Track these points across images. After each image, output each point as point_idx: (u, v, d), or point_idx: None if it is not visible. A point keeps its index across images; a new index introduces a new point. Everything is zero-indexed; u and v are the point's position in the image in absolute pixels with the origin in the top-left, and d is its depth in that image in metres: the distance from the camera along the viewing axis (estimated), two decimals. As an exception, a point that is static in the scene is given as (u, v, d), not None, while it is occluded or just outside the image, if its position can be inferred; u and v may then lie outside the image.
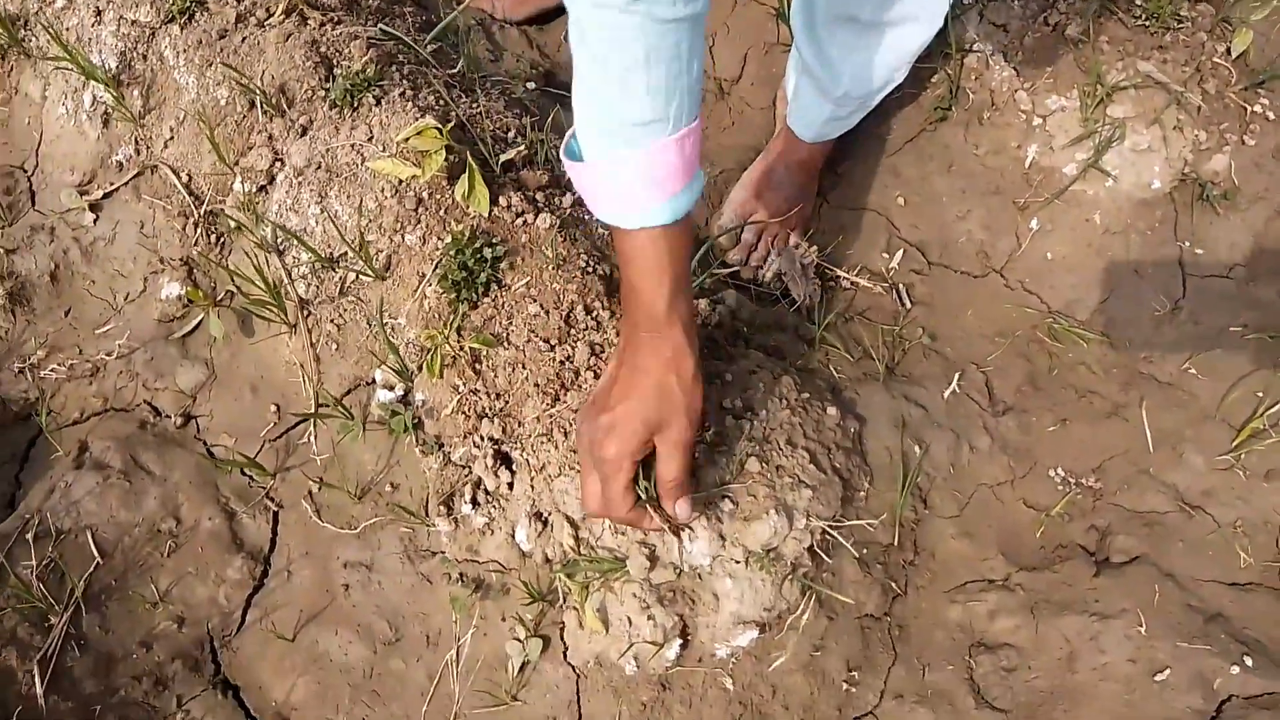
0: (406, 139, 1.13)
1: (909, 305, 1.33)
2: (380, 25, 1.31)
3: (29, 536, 1.12)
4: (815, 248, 1.35)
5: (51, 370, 1.28)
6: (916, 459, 1.16)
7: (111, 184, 1.37)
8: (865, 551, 1.10)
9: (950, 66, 1.40)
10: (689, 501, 0.91)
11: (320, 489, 1.17)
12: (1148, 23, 1.34)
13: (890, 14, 1.15)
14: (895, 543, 1.12)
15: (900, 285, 1.35)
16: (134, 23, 1.34)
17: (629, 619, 0.99)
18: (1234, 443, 1.19)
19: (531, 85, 1.47)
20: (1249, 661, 1.04)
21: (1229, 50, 1.35)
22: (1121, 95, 1.31)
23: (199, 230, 1.30)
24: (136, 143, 1.36)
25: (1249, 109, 1.33)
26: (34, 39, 1.47)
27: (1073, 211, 1.34)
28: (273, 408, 1.23)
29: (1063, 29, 1.36)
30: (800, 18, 1.27)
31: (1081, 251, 1.33)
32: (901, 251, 1.38)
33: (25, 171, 1.46)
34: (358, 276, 1.17)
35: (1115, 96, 1.31)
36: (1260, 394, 1.21)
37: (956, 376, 1.24)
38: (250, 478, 1.19)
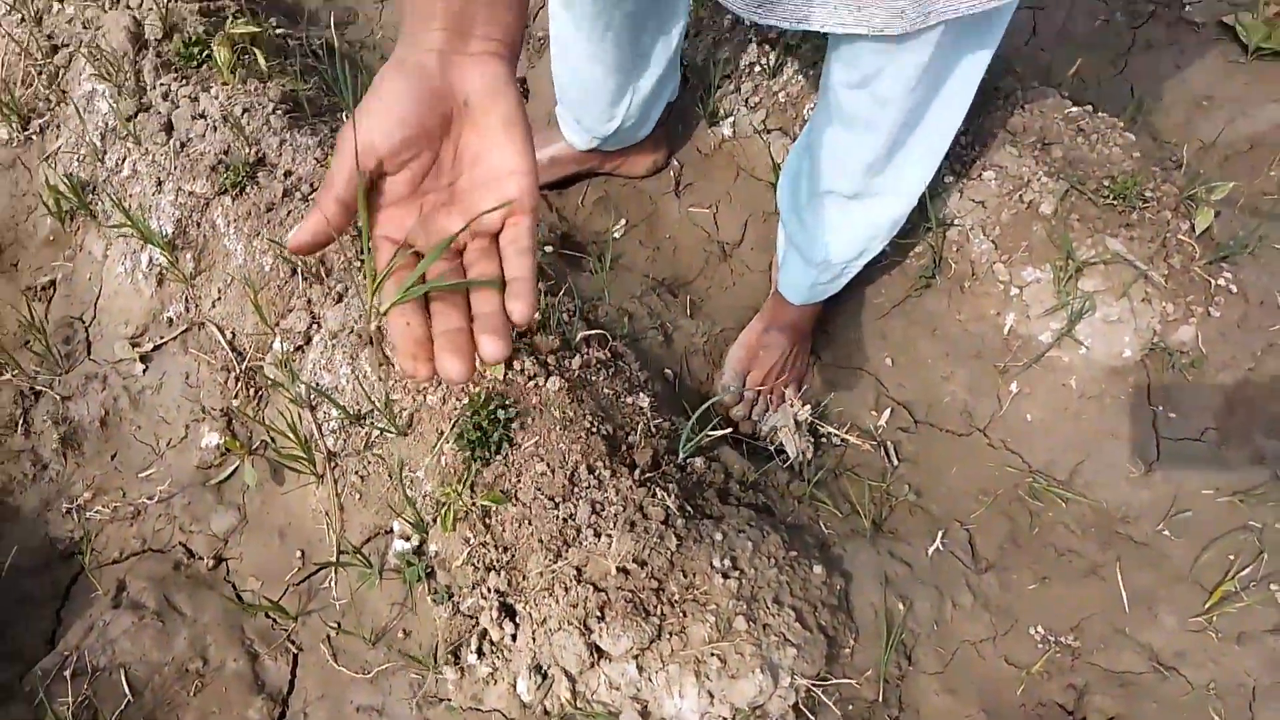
0: (431, 310, 1.25)
1: (896, 462, 1.42)
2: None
3: (66, 673, 1.20)
4: (808, 405, 1.44)
5: (96, 512, 1.38)
6: (901, 616, 1.22)
7: (161, 338, 1.50)
8: (850, 708, 1.15)
9: (933, 238, 1.52)
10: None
11: (338, 633, 1.24)
12: (1115, 202, 1.46)
13: (866, 190, 1.28)
14: (880, 699, 1.17)
15: (888, 443, 1.44)
16: (190, 193, 1.49)
17: (622, 771, 1.05)
18: (1206, 604, 1.24)
19: (549, 249, 1.60)
20: (1221, 826, 1.08)
21: (1193, 227, 1.46)
22: (1092, 270, 1.41)
23: (239, 384, 1.41)
24: (186, 301, 1.49)
25: (1213, 282, 1.43)
26: (100, 203, 1.62)
27: (1050, 376, 1.43)
28: (298, 553, 1.32)
29: (1036, 206, 1.47)
30: (786, 192, 1.40)
31: (1059, 414, 1.42)
32: (890, 410, 1.47)
33: (84, 323, 1.59)
34: (382, 433, 1.28)
35: (1086, 271, 1.41)
36: (1232, 556, 1.28)
37: (940, 534, 1.31)
38: (274, 620, 1.27)
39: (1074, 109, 1.57)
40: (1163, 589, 1.27)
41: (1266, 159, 1.72)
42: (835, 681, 1.11)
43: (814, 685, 1.09)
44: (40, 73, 1.79)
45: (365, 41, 2.07)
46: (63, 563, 1.36)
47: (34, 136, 1.79)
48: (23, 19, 1.85)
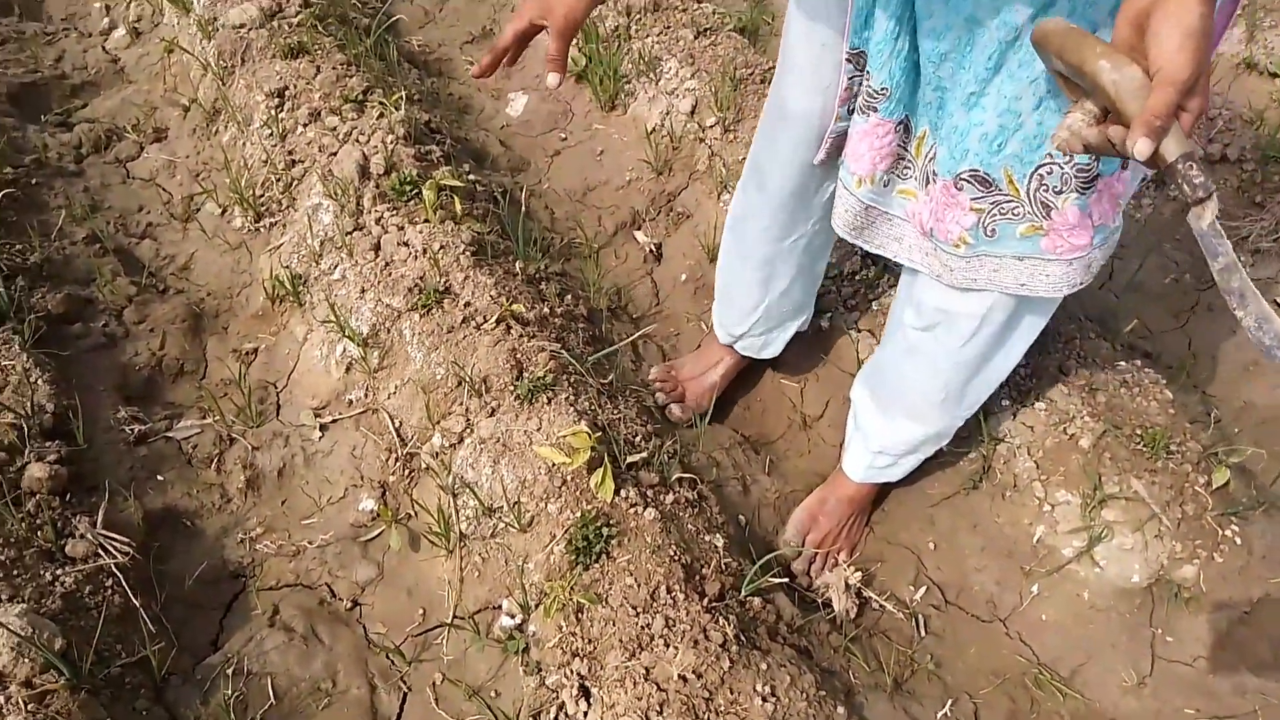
0: (565, 435, 1.57)
1: (924, 634, 1.65)
2: (561, 342, 1.78)
3: (229, 671, 1.50)
4: (859, 572, 1.69)
5: (265, 545, 1.70)
6: (904, 764, 1.45)
7: (340, 414, 1.85)
8: (849, 831, 1.37)
9: (985, 449, 1.79)
10: None
11: (443, 682, 1.52)
12: (1144, 449, 1.71)
13: (895, 408, 1.58)
14: (875, 830, 1.39)
15: (920, 615, 1.68)
16: (388, 305, 1.86)
17: (655, 840, 1.29)
18: (1172, 810, 1.44)
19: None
20: None
21: (1209, 481, 1.69)
22: (1115, 503, 1.66)
23: (398, 464, 1.74)
24: (367, 389, 1.84)
25: (1221, 531, 1.66)
26: (309, 296, 2.00)
27: (1067, 585, 1.67)
28: (420, 611, 1.61)
29: (1076, 439, 1.73)
30: (859, 388, 1.70)
31: (1071, 619, 1.65)
32: (925, 588, 1.71)
33: (276, 389, 1.95)
34: (506, 526, 1.58)
35: (1109, 503, 1.66)
36: (1202, 773, 1.47)
37: (951, 701, 1.54)
38: (392, 661, 1.55)
39: (1123, 364, 1.84)
40: (1136, 789, 1.47)
41: (1299, 427, 1.95)
42: (839, 804, 1.34)
43: (821, 804, 1.32)
44: (278, 180, 2.22)
45: (534, 189, 2.46)
46: (230, 581, 1.68)
47: (262, 229, 2.21)
48: (271, 134, 2.29)
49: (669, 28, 2.70)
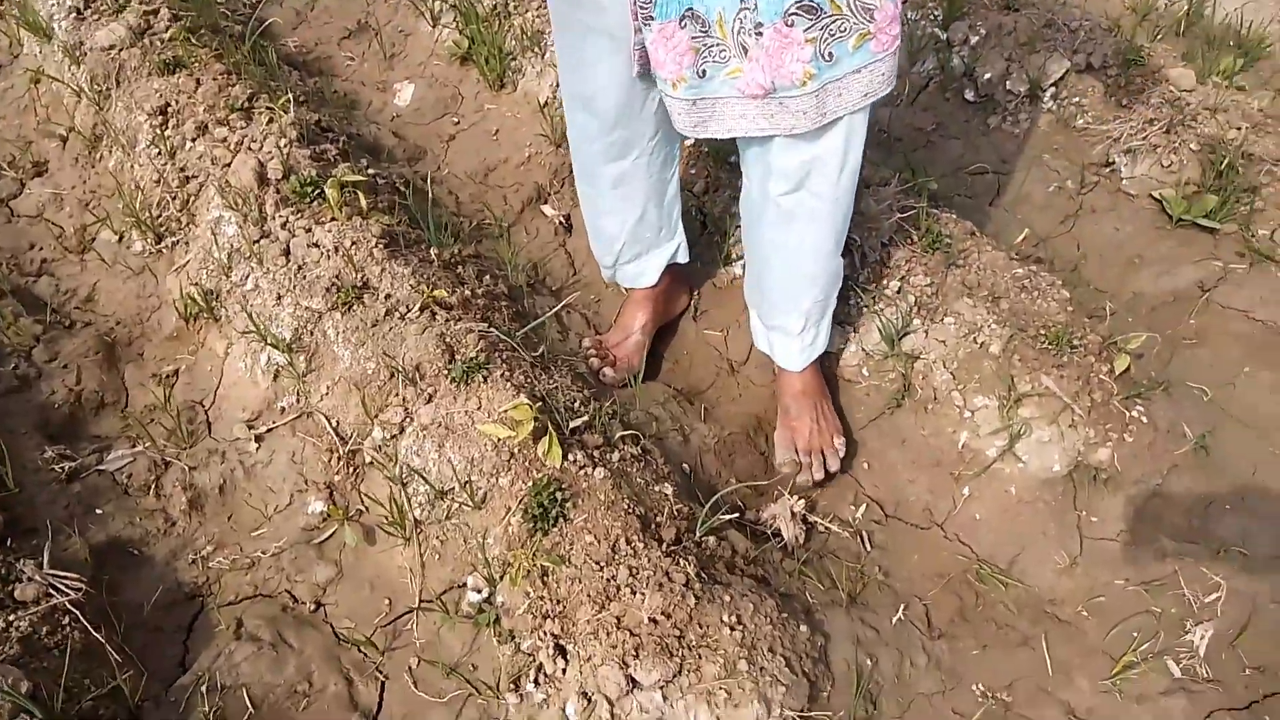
0: (506, 410, 1.60)
1: (869, 548, 1.74)
2: (487, 321, 1.81)
3: (202, 689, 1.50)
4: (802, 500, 1.77)
5: (217, 562, 1.70)
6: (868, 670, 1.53)
7: (274, 422, 1.84)
8: (826, 739, 1.45)
9: (904, 367, 1.88)
10: None
11: (418, 665, 1.55)
12: (1050, 346, 1.82)
13: (796, 283, 1.70)
14: (850, 735, 1.48)
15: (863, 532, 1.76)
16: (307, 308, 1.85)
17: (647, 777, 1.35)
18: (1113, 671, 1.55)
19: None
20: (1114, 843, 1.37)
21: (1112, 369, 1.81)
22: (1029, 400, 1.76)
23: (341, 463, 1.75)
24: (298, 394, 1.84)
25: (1128, 414, 1.78)
26: (223, 310, 1.98)
27: (994, 483, 1.77)
28: (386, 601, 1.63)
29: (987, 347, 1.83)
30: (750, 291, 1.83)
31: (1001, 514, 1.75)
32: (865, 505, 1.80)
33: (204, 407, 1.93)
34: (460, 506, 1.61)
35: (1024, 401, 1.76)
36: (1135, 634, 1.59)
37: (903, 607, 1.63)
38: (365, 654, 1.57)
39: (1019, 269, 1.95)
40: (1079, 658, 1.58)
41: (1185, 310, 2.09)
42: (815, 715, 1.42)
43: (799, 717, 1.40)
44: (173, 199, 2.17)
45: (435, 176, 2.46)
46: (187, 603, 1.67)
47: (164, 250, 2.16)
48: (159, 152, 2.24)
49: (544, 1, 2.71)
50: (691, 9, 1.31)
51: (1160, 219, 2.28)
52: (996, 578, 1.68)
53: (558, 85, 2.51)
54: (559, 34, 1.59)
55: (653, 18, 1.33)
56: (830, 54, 1.31)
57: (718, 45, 1.34)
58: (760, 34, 1.30)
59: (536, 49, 2.59)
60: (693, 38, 1.34)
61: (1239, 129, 2.34)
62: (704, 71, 1.37)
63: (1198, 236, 2.22)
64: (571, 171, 2.41)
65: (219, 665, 1.54)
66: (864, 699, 1.50)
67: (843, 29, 1.29)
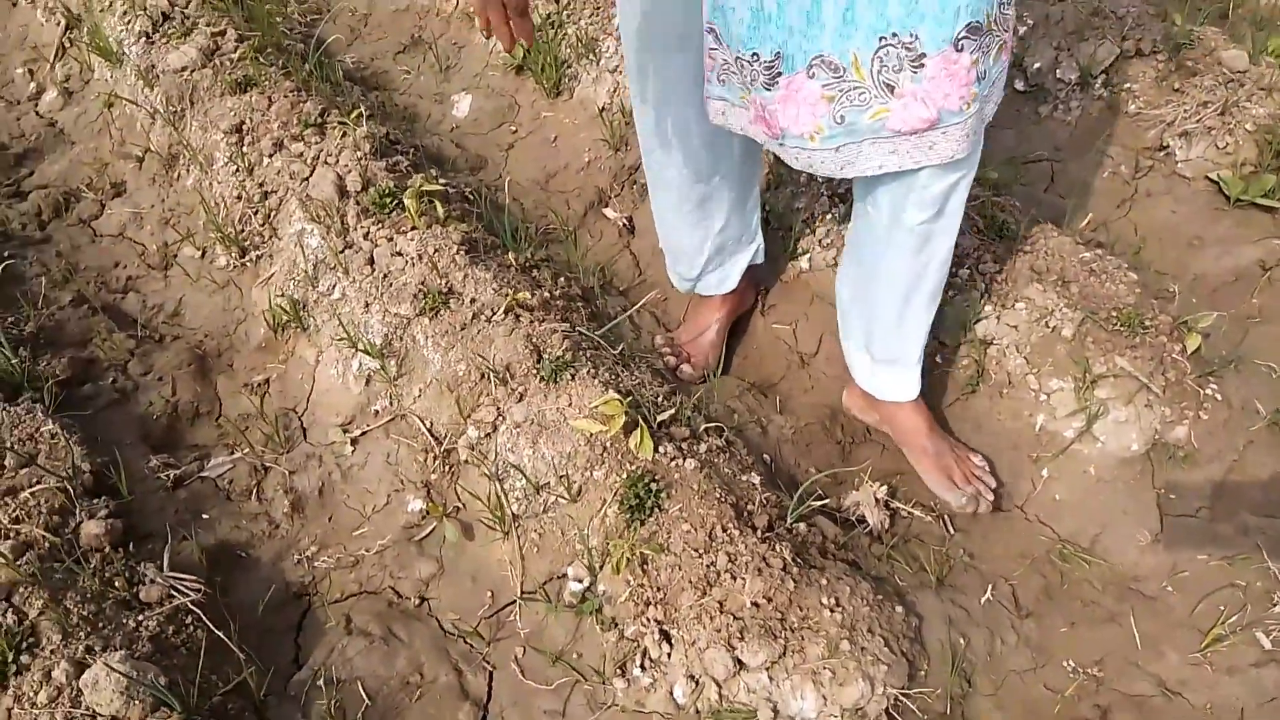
0: (596, 406, 1.65)
1: (952, 532, 1.78)
2: (568, 322, 1.86)
3: (320, 683, 1.56)
4: (886, 487, 1.81)
5: (322, 561, 1.76)
6: (961, 649, 1.58)
7: (368, 426, 1.91)
8: (925, 717, 1.49)
9: (977, 354, 1.91)
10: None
11: (524, 654, 1.61)
12: (1121, 328, 1.85)
13: (919, 308, 1.67)
14: (947, 712, 1.52)
15: (945, 516, 1.80)
16: (396, 314, 1.91)
17: (758, 754, 1.40)
18: (1202, 645, 1.58)
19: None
20: (1215, 809, 1.41)
21: (1184, 348, 1.84)
22: (1104, 381, 1.80)
23: (437, 462, 1.81)
24: (390, 398, 1.90)
25: (1202, 392, 1.81)
26: (311, 319, 2.05)
27: (1073, 464, 1.80)
28: (488, 594, 1.69)
29: (1059, 330, 1.87)
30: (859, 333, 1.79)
31: (1081, 495, 1.79)
32: (946, 490, 1.84)
33: (298, 414, 2.00)
34: (557, 500, 1.66)
35: (1099, 382, 1.80)
36: (1222, 607, 1.62)
37: (990, 587, 1.67)
38: (471, 646, 1.63)
39: (1086, 254, 1.98)
40: (1167, 632, 1.62)
41: (1247, 289, 2.11)
42: (916, 691, 1.46)
43: (900, 694, 1.44)
44: (255, 213, 2.25)
45: (496, 184, 2.52)
46: (296, 601, 1.73)
47: (248, 264, 2.24)
48: (237, 169, 2.32)
49: (599, 7, 2.76)
50: (821, 55, 1.24)
51: (1217, 200, 2.30)
52: (1080, 556, 1.71)
53: (614, 91, 2.57)
54: (640, 78, 1.57)
55: (780, 73, 1.27)
56: (985, 72, 1.27)
57: (855, 89, 1.26)
58: (922, 66, 1.22)
59: (591, 56, 2.65)
60: (825, 85, 1.26)
61: (1294, 107, 2.36)
62: (842, 118, 1.30)
63: (1256, 216, 2.24)
64: (631, 175, 2.48)
65: (333, 660, 1.60)
66: (959, 676, 1.55)
67: (993, 44, 1.25)
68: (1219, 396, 1.81)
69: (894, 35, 1.20)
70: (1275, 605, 1.61)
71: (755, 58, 1.29)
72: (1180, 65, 2.51)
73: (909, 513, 1.79)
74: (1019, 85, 2.59)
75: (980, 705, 1.55)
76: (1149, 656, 1.60)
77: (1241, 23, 2.70)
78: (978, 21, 1.20)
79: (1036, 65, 2.57)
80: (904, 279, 1.61)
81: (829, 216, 2.18)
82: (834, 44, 1.22)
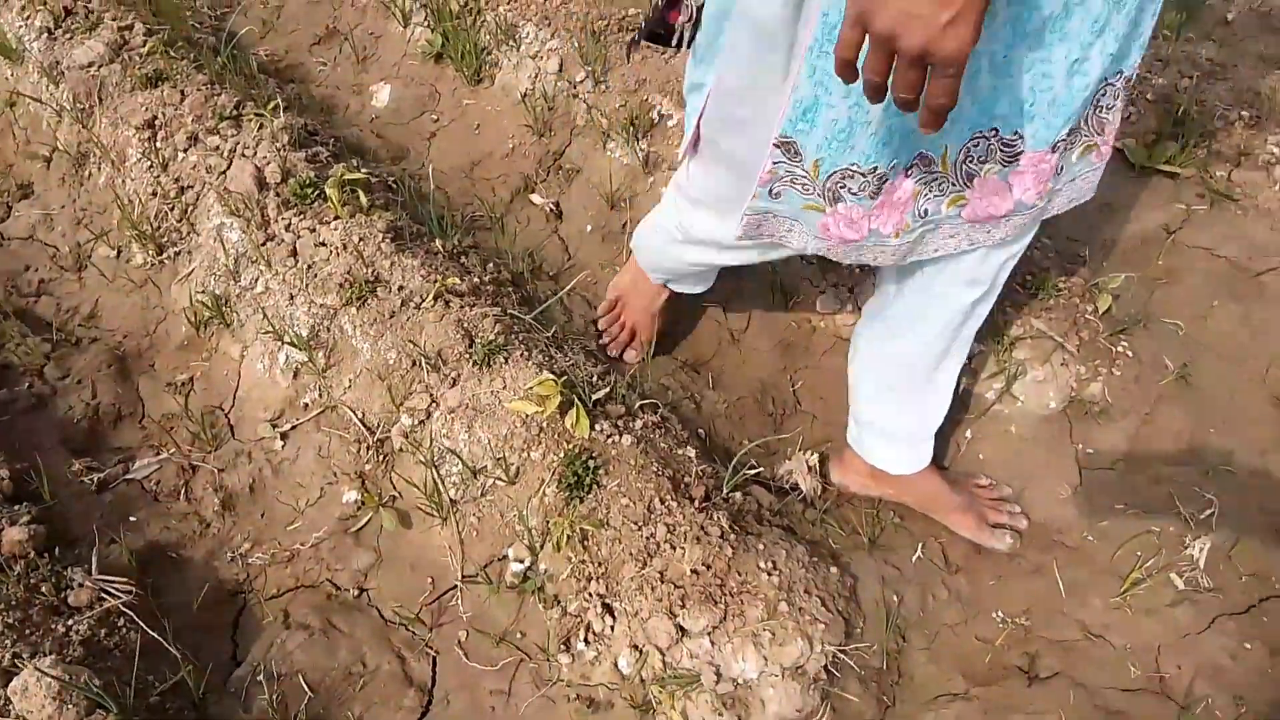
0: (531, 387, 1.66)
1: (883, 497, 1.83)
2: (499, 306, 1.86)
3: (260, 678, 1.54)
4: (816, 455, 1.85)
5: (256, 558, 1.74)
6: (895, 606, 1.62)
7: (298, 419, 1.88)
8: (864, 673, 1.54)
9: (901, 323, 1.96)
10: None
11: (468, 637, 1.61)
12: (1037, 292, 1.92)
13: (949, 374, 1.63)
14: (884, 667, 1.56)
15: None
16: (321, 305, 1.89)
17: (703, 719, 1.42)
18: (1122, 589, 1.65)
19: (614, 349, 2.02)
20: (1139, 742, 1.47)
21: (1096, 308, 1.92)
22: (1021, 343, 1.86)
23: (370, 452, 1.79)
24: (319, 389, 1.88)
25: (1114, 349, 1.89)
26: (234, 314, 2.01)
27: (996, 424, 1.87)
28: (428, 580, 1.68)
29: (978, 296, 1.93)
30: (883, 405, 1.69)
31: (1005, 453, 1.85)
32: (876, 455, 1.88)
33: (224, 411, 1.96)
34: (495, 482, 1.66)
35: (1017, 345, 1.86)
36: (1139, 553, 1.69)
37: (920, 546, 1.72)
38: (413, 633, 1.63)
39: (1001, 221, 2.04)
40: (1089, 580, 1.68)
41: (1154, 252, 2.20)
42: (852, 647, 1.50)
43: (838, 651, 1.48)
44: (172, 209, 2.20)
45: (422, 173, 2.51)
46: (231, 599, 1.71)
47: (166, 261, 2.19)
48: (152, 165, 2.26)
49: (517, -6, 2.76)
50: (922, 152, 1.19)
51: (1124, 168, 2.38)
52: (1005, 512, 1.77)
53: (535, 76, 2.57)
54: (711, 171, 1.45)
55: (887, 179, 1.20)
56: (1065, 167, 1.26)
57: (937, 179, 1.22)
58: (1015, 161, 1.19)
59: (511, 42, 2.64)
60: (917, 180, 1.22)
61: (1190, 78, 2.46)
62: (925, 211, 1.26)
63: (1160, 182, 2.33)
64: (556, 161, 2.48)
65: (272, 655, 1.58)
66: (894, 632, 1.59)
67: (1079, 143, 1.23)
68: (1130, 353, 1.89)
69: (994, 131, 1.16)
70: (1187, 549, 1.69)
71: (874, 170, 1.18)
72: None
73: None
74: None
75: (915, 659, 1.60)
76: (1073, 604, 1.66)
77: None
78: (1077, 124, 1.19)
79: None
80: (937, 352, 1.56)
81: (753, 194, 2.21)
82: (933, 139, 1.18)
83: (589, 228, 2.35)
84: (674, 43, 1.30)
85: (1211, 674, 1.57)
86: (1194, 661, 1.58)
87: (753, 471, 1.71)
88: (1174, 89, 2.40)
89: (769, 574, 1.50)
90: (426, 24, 2.81)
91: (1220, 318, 2.04)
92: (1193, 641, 1.61)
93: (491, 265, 2.10)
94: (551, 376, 1.65)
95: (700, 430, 1.91)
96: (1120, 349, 1.89)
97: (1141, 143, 2.35)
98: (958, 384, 1.71)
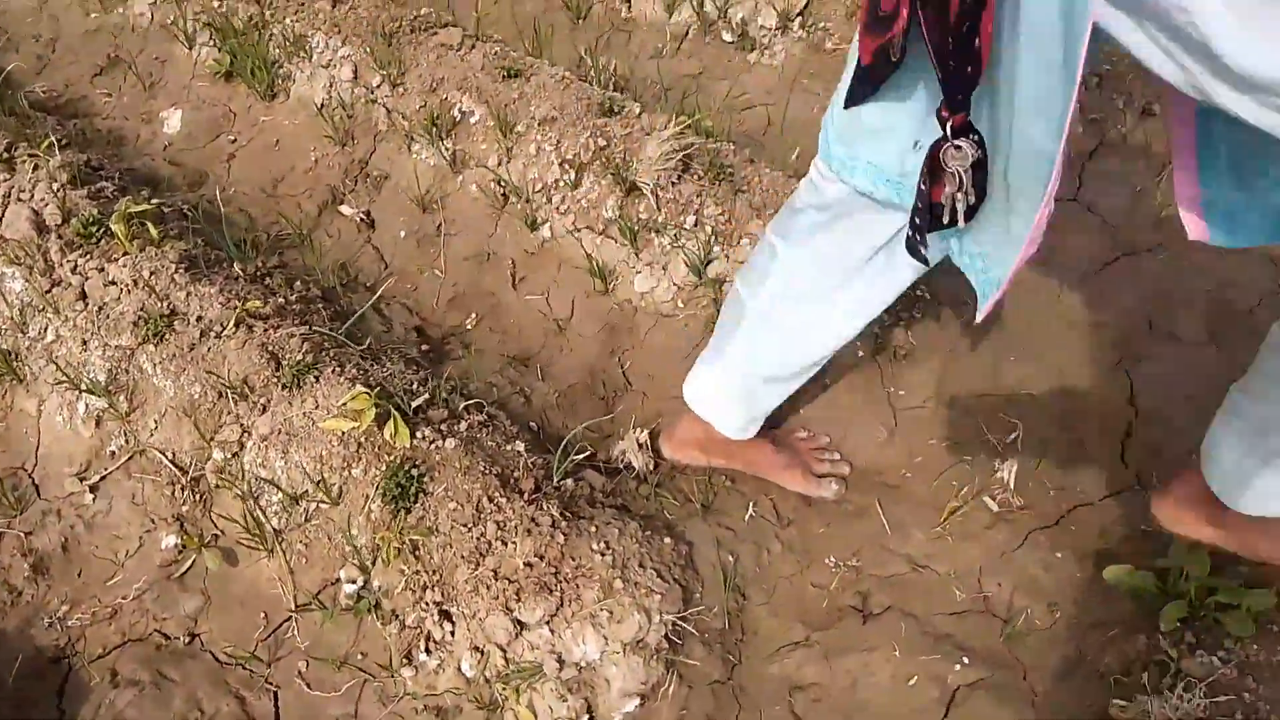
0: (344, 403, 1.62)
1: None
2: (307, 324, 1.81)
3: (88, 744, 1.47)
4: (646, 431, 1.87)
5: (76, 619, 1.65)
6: (732, 566, 1.66)
7: (106, 469, 1.79)
8: (707, 635, 1.57)
9: (714, 292, 2.01)
10: None
11: (308, 667, 1.57)
12: (836, 248, 1.99)
13: None
14: (726, 627, 1.60)
15: (707, 449, 1.89)
16: (116, 347, 1.80)
17: (550, 708, 1.43)
18: (942, 519, 1.74)
19: (425, 347, 1.99)
20: (966, 660, 1.56)
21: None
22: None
23: (185, 493, 1.72)
24: (125, 435, 1.79)
25: (914, 294, 1.98)
26: (26, 368, 1.89)
27: (814, 379, 1.93)
28: (261, 615, 1.63)
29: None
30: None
31: (823, 404, 1.91)
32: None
33: (26, 470, 1.85)
34: (318, 505, 1.62)
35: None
36: (954, 483, 1.78)
37: (752, 505, 1.77)
38: (251, 671, 1.57)
39: (797, 184, 2.11)
40: (911, 514, 1.76)
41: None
42: (691, 613, 1.53)
43: (677, 619, 1.51)
44: (-57, 265, 2.05)
45: (222, 196, 2.41)
46: (53, 667, 1.62)
47: (-56, 320, 2.04)
48: (-85, 220, 2.10)
49: (304, 3, 2.68)
50: None
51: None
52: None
53: (331, 85, 2.51)
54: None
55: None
56: None
57: None
58: None
59: (303, 53, 2.57)
60: None
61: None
62: None
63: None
64: (363, 169, 2.43)
65: (101, 717, 1.51)
66: (733, 591, 1.63)
67: None
68: (928, 296, 1.99)
69: None
70: (997, 472, 1.79)
71: None
72: None
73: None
74: (727, 37, 2.72)
75: (756, 614, 1.64)
76: (898, 539, 1.74)
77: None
78: None
79: (740, 16, 2.70)
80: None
81: (561, 183, 2.22)
82: None
83: (403, 233, 2.32)
84: (947, 220, 1.07)
85: (1028, 587, 1.67)
86: (1012, 578, 1.68)
87: (582, 456, 1.72)
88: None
89: (602, 554, 1.51)
90: (212, 43, 2.70)
91: (1012, 252, 2.17)
92: (1009, 559, 1.70)
93: (299, 283, 2.05)
94: (365, 390, 1.62)
95: (532, 423, 1.91)
96: (919, 292, 1.99)
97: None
98: None
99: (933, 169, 1.02)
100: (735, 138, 2.43)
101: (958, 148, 0.98)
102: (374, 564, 1.58)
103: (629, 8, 2.81)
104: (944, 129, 0.98)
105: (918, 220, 1.09)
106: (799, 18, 2.67)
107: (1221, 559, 1.57)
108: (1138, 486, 1.76)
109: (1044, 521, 1.75)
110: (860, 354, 1.91)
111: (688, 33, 2.75)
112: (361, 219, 2.35)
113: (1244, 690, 1.42)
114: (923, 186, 1.05)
